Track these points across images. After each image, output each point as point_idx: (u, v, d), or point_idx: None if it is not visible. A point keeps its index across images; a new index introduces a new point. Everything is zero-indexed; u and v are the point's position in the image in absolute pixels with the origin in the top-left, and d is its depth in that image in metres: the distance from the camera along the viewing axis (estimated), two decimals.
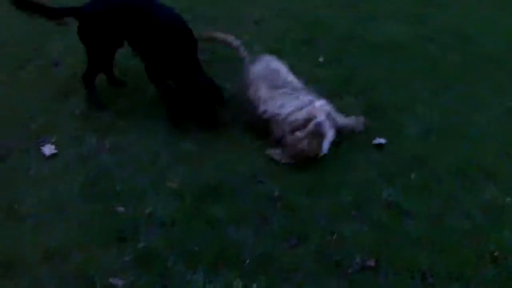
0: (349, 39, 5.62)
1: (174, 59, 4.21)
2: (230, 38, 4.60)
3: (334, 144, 4.00)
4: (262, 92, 4.12)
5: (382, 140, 4.11)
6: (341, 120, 4.07)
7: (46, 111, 4.40)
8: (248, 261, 3.20)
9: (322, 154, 3.87)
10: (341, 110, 4.19)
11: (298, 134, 3.84)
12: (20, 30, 5.61)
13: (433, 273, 3.15)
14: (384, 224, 3.43)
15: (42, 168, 3.89)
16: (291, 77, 4.25)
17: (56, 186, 3.72)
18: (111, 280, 3.08)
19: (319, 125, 3.80)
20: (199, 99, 4.17)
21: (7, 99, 4.59)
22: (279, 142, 3.98)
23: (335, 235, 3.35)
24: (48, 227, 3.41)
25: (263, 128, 4.08)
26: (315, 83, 4.49)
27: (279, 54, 4.68)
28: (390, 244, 3.31)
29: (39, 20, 4.33)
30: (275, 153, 3.95)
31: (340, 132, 4.03)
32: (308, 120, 3.85)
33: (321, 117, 3.85)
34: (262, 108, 4.07)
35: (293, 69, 4.40)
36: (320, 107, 3.95)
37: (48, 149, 4.01)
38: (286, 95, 4.08)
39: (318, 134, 3.82)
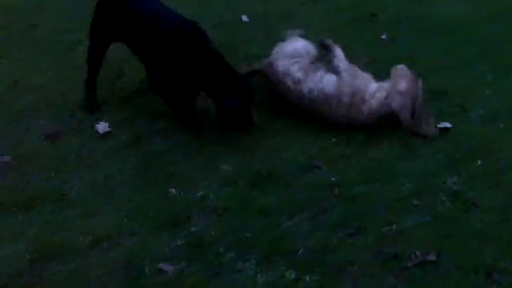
0: (407, 19, 5.38)
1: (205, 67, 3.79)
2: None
3: (393, 129, 3.84)
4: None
5: (447, 124, 3.91)
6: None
7: (98, 92, 4.35)
8: (301, 251, 3.08)
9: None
10: None
11: None
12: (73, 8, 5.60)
13: (499, 269, 2.95)
14: (446, 216, 3.25)
15: (95, 147, 3.86)
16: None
17: (108, 168, 3.68)
18: (161, 265, 3.02)
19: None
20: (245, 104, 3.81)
21: (58, 82, 4.56)
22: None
23: (394, 226, 3.19)
24: (98, 211, 3.38)
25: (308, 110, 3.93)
26: (373, 64, 4.33)
27: (335, 32, 4.50)
28: (452, 238, 3.12)
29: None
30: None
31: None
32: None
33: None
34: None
35: (350, 48, 4.21)
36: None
37: (102, 127, 3.97)
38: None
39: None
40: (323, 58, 4.07)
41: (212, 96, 3.84)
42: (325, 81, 3.89)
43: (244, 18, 5.46)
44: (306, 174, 3.61)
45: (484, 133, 3.87)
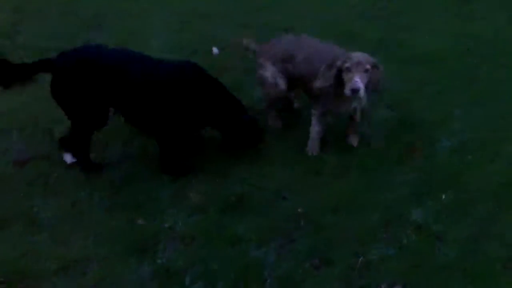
0: (381, 50, 5.45)
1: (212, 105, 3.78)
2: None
3: (361, 159, 3.88)
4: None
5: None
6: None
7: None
8: (268, 281, 3.08)
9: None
10: (374, 122, 4.03)
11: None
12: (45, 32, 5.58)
13: None
14: (413, 248, 3.28)
15: (63, 173, 3.83)
16: None
17: (76, 194, 3.65)
18: None
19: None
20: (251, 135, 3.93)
21: (28, 107, 4.51)
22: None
23: (361, 258, 3.21)
24: (66, 237, 3.35)
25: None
26: None
27: None
28: (419, 270, 3.15)
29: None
30: None
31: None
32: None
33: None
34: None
35: None
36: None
37: (70, 157, 3.93)
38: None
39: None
40: None
41: (221, 126, 3.87)
42: None
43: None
44: (275, 203, 3.62)
45: (452, 165, 3.92)
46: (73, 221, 3.46)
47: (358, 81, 3.54)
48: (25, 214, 3.50)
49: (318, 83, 3.77)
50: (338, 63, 3.65)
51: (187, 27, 5.89)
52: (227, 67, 5.00)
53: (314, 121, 4.00)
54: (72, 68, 3.54)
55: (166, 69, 3.63)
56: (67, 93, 3.60)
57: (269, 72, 4.06)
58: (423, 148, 4.06)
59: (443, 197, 3.63)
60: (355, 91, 3.54)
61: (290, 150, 4.06)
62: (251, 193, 3.69)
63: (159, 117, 3.66)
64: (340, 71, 3.65)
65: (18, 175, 3.82)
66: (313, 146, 4.05)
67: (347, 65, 3.60)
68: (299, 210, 3.53)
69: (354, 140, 4.14)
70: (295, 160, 3.97)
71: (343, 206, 3.56)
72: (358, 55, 3.65)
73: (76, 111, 3.66)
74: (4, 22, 5.72)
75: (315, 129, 4.01)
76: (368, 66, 3.60)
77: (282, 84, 4.06)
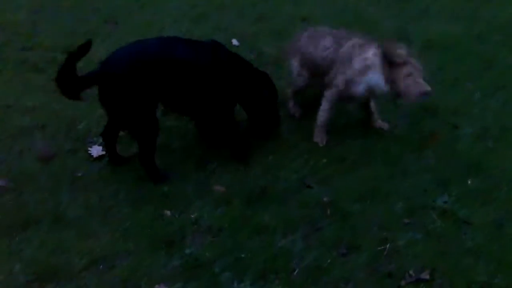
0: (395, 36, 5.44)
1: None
2: None
3: (384, 146, 3.89)
4: None
5: None
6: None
7: (92, 112, 4.36)
8: (296, 270, 3.11)
9: None
10: (393, 111, 4.03)
11: None
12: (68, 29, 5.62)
13: (491, 286, 3.00)
14: (439, 234, 3.30)
15: (89, 169, 3.86)
16: None
17: (103, 190, 3.68)
18: (157, 286, 3.03)
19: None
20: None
21: (48, 105, 4.52)
22: None
23: (388, 244, 3.23)
24: (94, 232, 3.38)
25: None
26: None
27: None
28: (446, 255, 3.17)
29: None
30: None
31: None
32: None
33: None
34: None
35: None
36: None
37: (96, 150, 3.98)
38: None
39: None
40: None
41: (247, 104, 3.96)
42: None
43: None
44: (299, 193, 3.64)
45: (474, 151, 3.92)
46: (101, 216, 3.49)
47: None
48: (52, 211, 3.51)
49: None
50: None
51: (203, 19, 5.90)
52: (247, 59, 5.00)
53: (325, 105, 4.01)
54: (126, 71, 3.43)
55: (205, 50, 3.65)
56: (124, 98, 3.48)
57: (294, 65, 4.20)
58: (445, 134, 4.07)
59: (469, 182, 3.63)
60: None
61: (311, 140, 4.08)
62: (275, 183, 3.71)
63: (213, 98, 3.74)
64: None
65: (44, 172, 3.84)
66: (321, 135, 4.06)
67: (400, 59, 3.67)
68: (324, 199, 3.55)
69: (383, 125, 4.16)
70: (317, 148, 3.99)
71: (368, 193, 3.58)
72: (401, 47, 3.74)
73: (133, 115, 3.54)
74: (24, 23, 5.76)
75: (324, 116, 4.03)
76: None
77: (305, 76, 4.21)
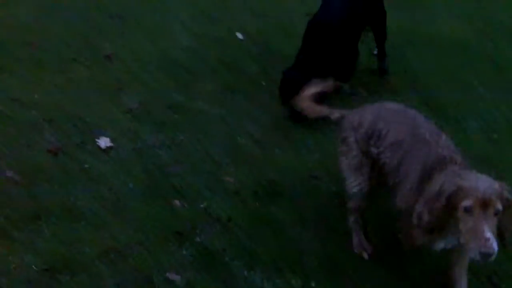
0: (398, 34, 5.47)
1: None
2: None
3: None
4: None
5: None
6: None
7: (99, 105, 4.39)
8: (307, 260, 3.15)
9: None
10: None
11: None
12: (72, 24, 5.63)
13: (499, 274, 3.04)
14: None
15: (98, 161, 3.88)
16: None
17: (113, 181, 3.71)
18: (168, 275, 3.07)
19: None
20: None
21: (54, 98, 4.55)
22: None
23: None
24: (105, 223, 3.40)
25: None
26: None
27: None
28: None
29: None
30: None
31: None
32: None
33: None
34: None
35: None
36: None
37: (104, 142, 4.01)
38: None
39: None
40: None
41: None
42: None
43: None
44: (307, 184, 3.67)
45: (481, 145, 3.97)
46: (111, 208, 3.51)
47: (490, 237, 2.31)
48: (62, 202, 3.54)
49: (417, 216, 2.56)
50: (448, 191, 2.45)
51: (206, 15, 5.91)
52: (253, 55, 5.06)
53: None
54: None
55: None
56: None
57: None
58: (451, 129, 4.09)
59: None
60: (487, 256, 2.33)
61: (318, 132, 4.09)
62: (283, 176, 3.74)
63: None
64: (449, 202, 2.44)
65: (53, 164, 3.86)
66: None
67: (466, 203, 2.38)
68: (333, 189, 3.58)
69: None
70: (323, 141, 4.01)
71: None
72: (483, 183, 2.43)
73: None
74: (29, 18, 5.76)
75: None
76: (499, 205, 2.38)
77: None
